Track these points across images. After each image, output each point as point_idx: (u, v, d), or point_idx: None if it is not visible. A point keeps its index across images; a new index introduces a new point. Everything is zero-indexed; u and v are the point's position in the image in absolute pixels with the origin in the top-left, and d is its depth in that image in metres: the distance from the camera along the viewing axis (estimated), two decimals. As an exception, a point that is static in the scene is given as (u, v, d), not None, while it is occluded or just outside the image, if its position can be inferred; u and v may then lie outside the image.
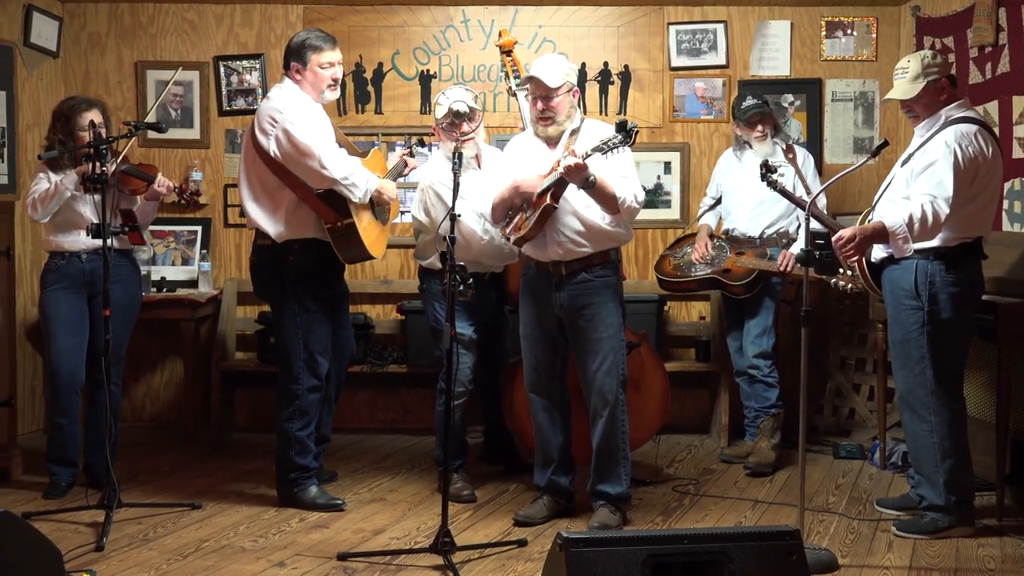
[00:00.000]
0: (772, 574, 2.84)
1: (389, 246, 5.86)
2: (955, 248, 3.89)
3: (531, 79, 4.02)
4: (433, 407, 4.88)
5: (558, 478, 4.25)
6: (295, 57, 4.28)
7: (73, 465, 4.59)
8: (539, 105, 4.03)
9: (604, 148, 3.72)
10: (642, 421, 4.84)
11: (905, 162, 4.02)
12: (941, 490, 3.96)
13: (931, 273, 3.89)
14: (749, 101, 5.08)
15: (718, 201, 5.36)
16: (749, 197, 5.13)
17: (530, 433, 4.49)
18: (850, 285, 4.40)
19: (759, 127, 5.08)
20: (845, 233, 3.82)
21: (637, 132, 3.73)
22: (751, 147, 5.14)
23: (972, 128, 3.85)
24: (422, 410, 5.89)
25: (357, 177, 4.23)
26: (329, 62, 4.30)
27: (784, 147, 5.06)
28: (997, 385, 4.19)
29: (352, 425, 5.91)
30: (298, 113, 4.19)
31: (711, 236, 5.26)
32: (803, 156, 5.14)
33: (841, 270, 4.39)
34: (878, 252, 4.06)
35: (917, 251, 3.90)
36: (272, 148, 4.18)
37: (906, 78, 3.96)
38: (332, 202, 4.22)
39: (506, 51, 4.44)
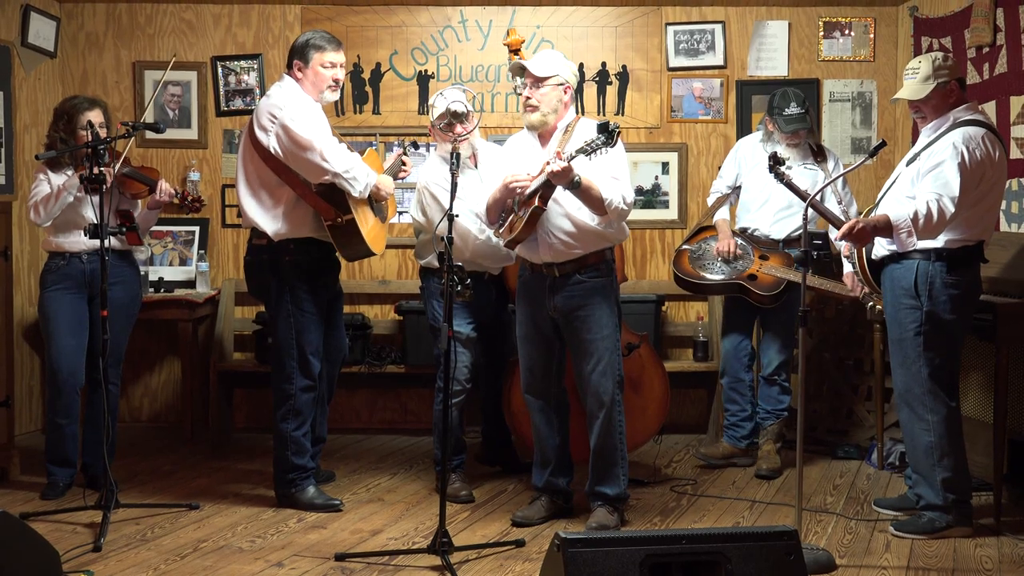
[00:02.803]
0: (770, 574, 2.84)
1: (387, 247, 5.88)
2: (957, 250, 3.90)
3: (522, 68, 4.05)
4: (432, 407, 4.88)
5: (556, 479, 4.25)
6: (298, 55, 4.29)
7: (72, 466, 4.58)
8: (526, 92, 4.05)
9: (587, 150, 3.73)
10: (642, 422, 4.83)
11: (911, 162, 4.02)
12: (939, 489, 3.96)
13: (932, 274, 3.89)
14: (794, 109, 4.86)
15: (734, 190, 5.15)
16: (776, 198, 4.94)
17: (527, 432, 4.50)
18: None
19: (796, 140, 4.93)
20: (849, 224, 3.82)
21: (619, 133, 3.73)
22: (781, 145, 4.95)
23: (980, 131, 3.86)
24: (421, 410, 5.89)
25: (358, 171, 4.23)
26: (331, 62, 4.30)
27: (814, 148, 4.96)
28: (995, 385, 4.19)
29: (351, 425, 5.91)
30: (297, 109, 4.19)
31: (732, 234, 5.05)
32: (833, 162, 5.00)
33: (865, 287, 4.32)
34: (879, 250, 4.06)
35: (919, 251, 3.90)
36: (272, 144, 4.18)
37: (916, 79, 3.95)
38: (331, 198, 4.22)
39: (514, 50, 4.44)
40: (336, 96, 4.39)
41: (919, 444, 4.00)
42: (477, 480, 4.78)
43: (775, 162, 4.28)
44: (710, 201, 5.26)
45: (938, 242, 3.88)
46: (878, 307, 4.32)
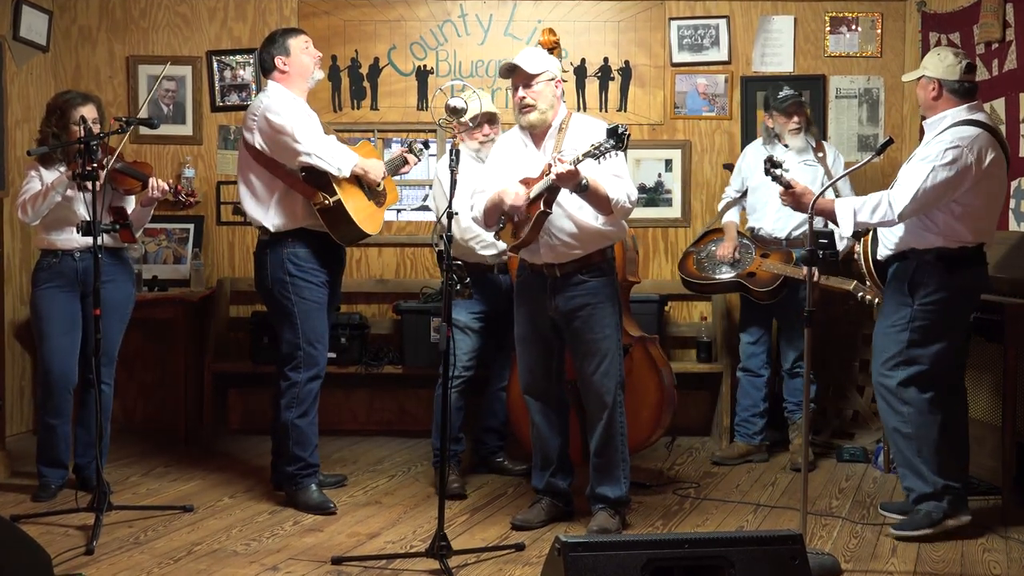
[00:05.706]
0: (775, 580, 2.80)
1: (385, 245, 5.84)
2: (956, 251, 3.86)
3: (511, 68, 3.99)
4: (429, 409, 4.84)
5: (557, 481, 4.20)
6: (278, 51, 4.38)
7: (64, 467, 4.54)
8: (519, 93, 3.99)
9: (596, 154, 3.67)
10: (633, 426, 4.68)
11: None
12: (927, 476, 3.93)
13: (927, 274, 3.86)
14: (786, 91, 5.04)
15: (743, 195, 5.28)
16: (776, 198, 4.98)
17: (525, 428, 4.45)
18: (877, 300, 4.37)
19: (795, 118, 5.03)
20: (800, 188, 3.92)
21: (629, 136, 3.68)
22: (782, 141, 5.08)
23: (974, 131, 3.80)
24: (419, 411, 5.83)
25: (333, 151, 4.27)
26: (306, 42, 4.45)
27: (815, 144, 5.02)
28: (1003, 387, 4.16)
29: (347, 427, 5.85)
30: (277, 102, 4.29)
31: (737, 234, 5.20)
32: (833, 155, 5.09)
33: (868, 283, 4.38)
34: (884, 251, 4.04)
35: (918, 250, 3.88)
36: (256, 140, 4.27)
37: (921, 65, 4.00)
38: (316, 182, 4.27)
39: (547, 49, 4.42)
40: (322, 74, 4.52)
41: (898, 435, 4.00)
42: (476, 482, 4.74)
43: (771, 164, 4.28)
44: (720, 206, 5.39)
45: (936, 241, 3.85)
46: (868, 297, 4.44)
